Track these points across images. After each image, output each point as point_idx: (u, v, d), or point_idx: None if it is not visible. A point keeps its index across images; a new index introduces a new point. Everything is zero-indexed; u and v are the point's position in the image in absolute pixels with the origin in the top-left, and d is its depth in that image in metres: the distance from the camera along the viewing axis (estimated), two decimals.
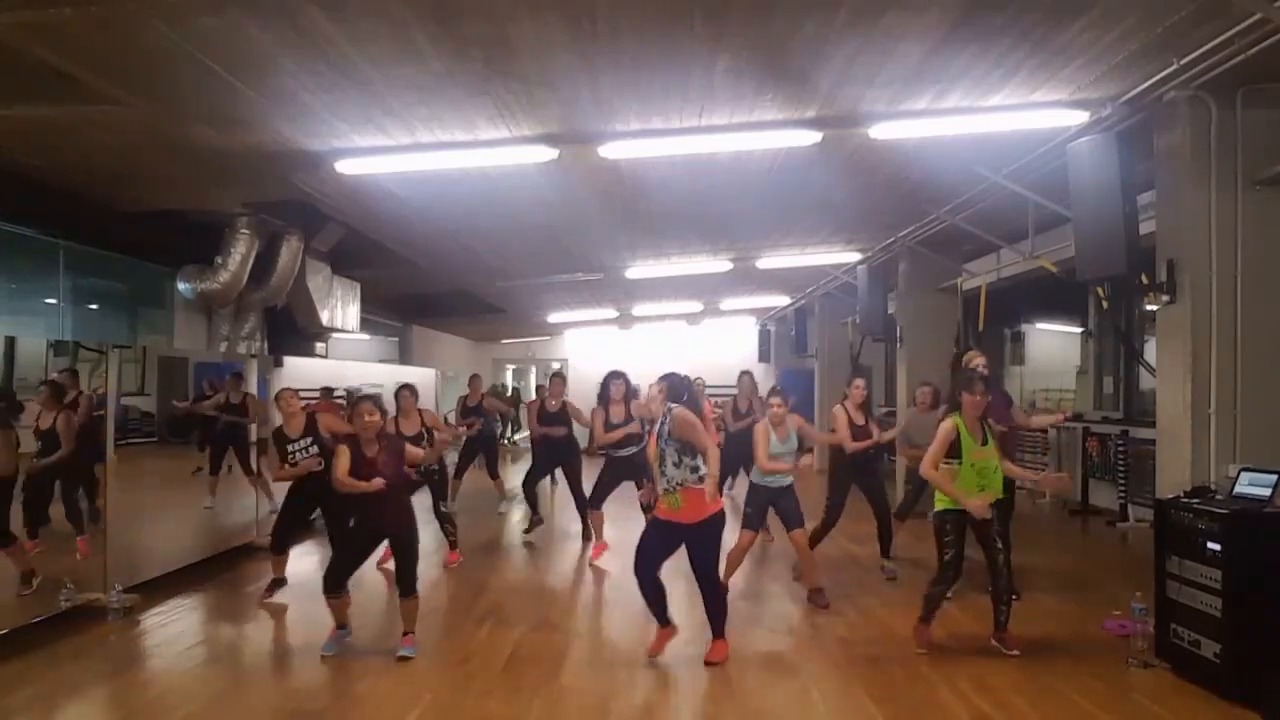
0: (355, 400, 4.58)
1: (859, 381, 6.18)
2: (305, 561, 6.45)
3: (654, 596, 4.37)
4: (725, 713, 3.77)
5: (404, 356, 14.51)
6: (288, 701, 3.94)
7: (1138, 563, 5.89)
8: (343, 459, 4.36)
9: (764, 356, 18.04)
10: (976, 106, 4.95)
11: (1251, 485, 3.95)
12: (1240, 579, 3.72)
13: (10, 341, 5.35)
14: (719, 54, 4.18)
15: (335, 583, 4.46)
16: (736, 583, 5.46)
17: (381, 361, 13.42)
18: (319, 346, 9.86)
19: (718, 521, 4.29)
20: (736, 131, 5.28)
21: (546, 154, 5.43)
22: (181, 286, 7.50)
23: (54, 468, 5.22)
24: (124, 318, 8.20)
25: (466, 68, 4.22)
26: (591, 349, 17.90)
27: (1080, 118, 4.98)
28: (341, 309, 9.55)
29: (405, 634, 4.48)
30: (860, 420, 6.00)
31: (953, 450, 4.34)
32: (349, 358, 11.39)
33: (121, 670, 4.34)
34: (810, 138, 5.32)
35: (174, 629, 5.02)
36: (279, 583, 5.65)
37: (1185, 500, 4.12)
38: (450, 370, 14.67)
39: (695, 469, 4.21)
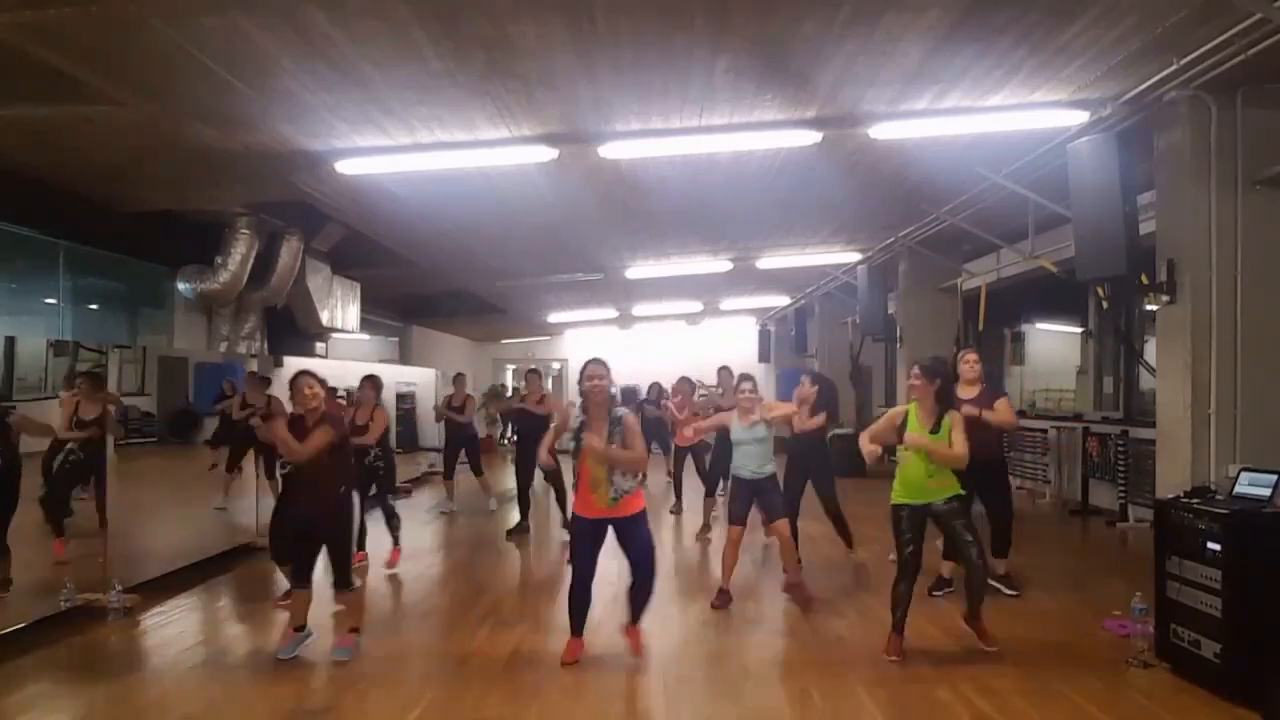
0: (295, 374, 4.53)
1: (804, 378, 6.31)
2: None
3: (584, 604, 4.33)
4: (725, 713, 3.77)
5: (404, 356, 14.51)
6: (287, 702, 3.93)
7: (1138, 563, 5.88)
8: (279, 428, 4.35)
9: (764, 356, 18.04)
10: (976, 106, 4.95)
11: (1251, 485, 3.95)
12: (1240, 579, 3.72)
13: (10, 341, 5.35)
14: (719, 54, 4.18)
15: (298, 577, 4.43)
16: (735, 582, 5.46)
17: (381, 361, 13.42)
18: (319, 346, 9.86)
19: (645, 511, 4.34)
20: (736, 131, 5.29)
21: (546, 154, 5.43)
22: (181, 286, 7.51)
23: (83, 465, 5.36)
24: (124, 318, 8.21)
25: (466, 68, 4.22)
26: (591, 349, 17.89)
27: (1080, 118, 4.98)
28: (341, 309, 9.56)
29: (350, 630, 4.46)
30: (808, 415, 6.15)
31: (900, 432, 4.28)
32: (349, 358, 11.38)
33: (121, 670, 4.33)
34: (810, 138, 5.32)
35: (174, 629, 5.02)
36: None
37: (1185, 500, 4.11)
38: (450, 371, 14.67)
39: (638, 476, 4.26)
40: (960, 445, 4.19)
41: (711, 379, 8.99)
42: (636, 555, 4.29)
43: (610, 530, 4.27)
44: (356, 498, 4.56)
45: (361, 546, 6.62)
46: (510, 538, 7.65)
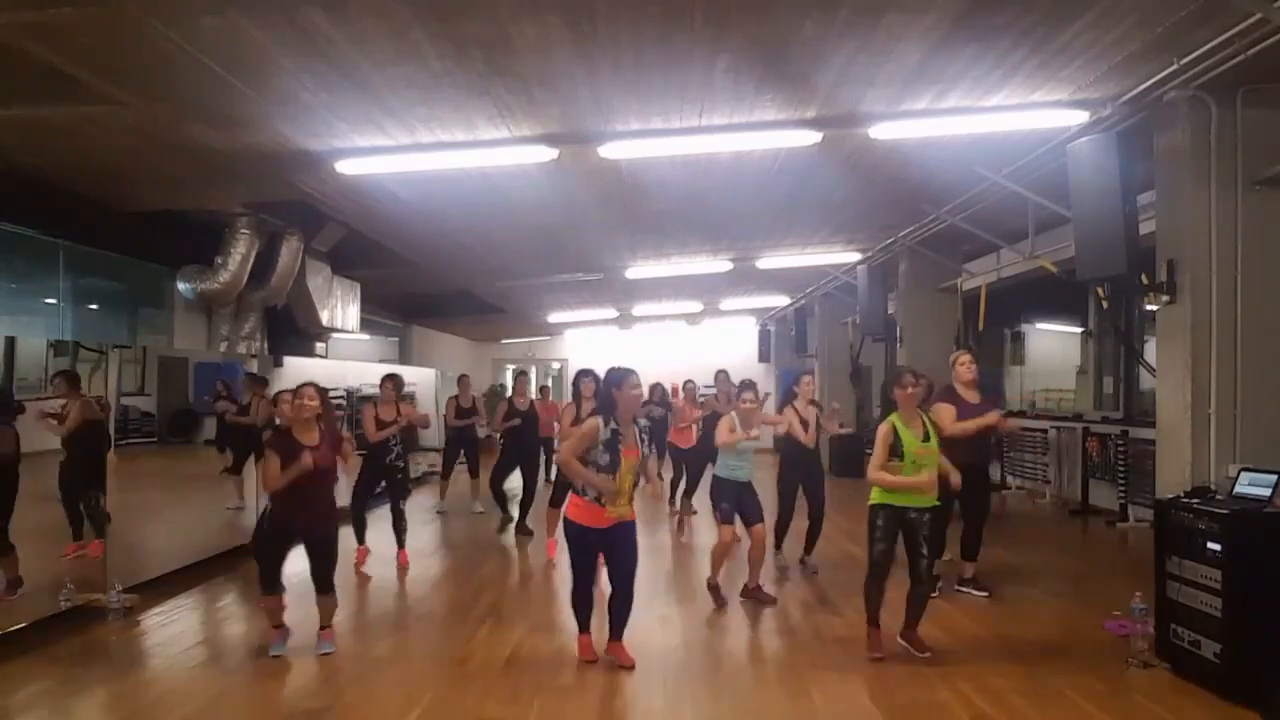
0: (298, 386, 4.51)
1: (806, 378, 6.31)
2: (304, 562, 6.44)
3: (591, 604, 4.41)
4: (725, 713, 3.77)
5: (404, 356, 14.53)
6: (287, 702, 3.93)
7: (1138, 563, 5.89)
8: (272, 462, 4.27)
9: (764, 356, 18.04)
10: (976, 106, 4.95)
11: (1251, 485, 3.95)
12: (1240, 579, 3.72)
13: (10, 341, 5.34)
14: (719, 54, 4.18)
15: (267, 583, 4.44)
16: (727, 580, 5.46)
17: (381, 361, 13.42)
18: (319, 346, 9.87)
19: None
20: (736, 131, 5.28)
21: (546, 154, 5.43)
22: (181, 286, 7.51)
23: (65, 466, 5.26)
24: (124, 318, 8.20)
25: (466, 68, 4.22)
26: (591, 349, 17.91)
27: (1080, 118, 4.98)
28: (341, 309, 9.56)
29: (322, 628, 4.54)
30: (809, 416, 6.16)
31: (895, 450, 4.25)
32: (349, 358, 11.39)
33: (121, 670, 4.33)
34: (810, 138, 5.32)
35: (174, 629, 5.02)
36: None
37: (1185, 500, 4.11)
38: (450, 371, 14.67)
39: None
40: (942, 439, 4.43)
41: (710, 380, 8.99)
42: (626, 565, 4.30)
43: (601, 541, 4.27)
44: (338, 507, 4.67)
45: (361, 541, 6.70)
46: (500, 534, 7.69)
